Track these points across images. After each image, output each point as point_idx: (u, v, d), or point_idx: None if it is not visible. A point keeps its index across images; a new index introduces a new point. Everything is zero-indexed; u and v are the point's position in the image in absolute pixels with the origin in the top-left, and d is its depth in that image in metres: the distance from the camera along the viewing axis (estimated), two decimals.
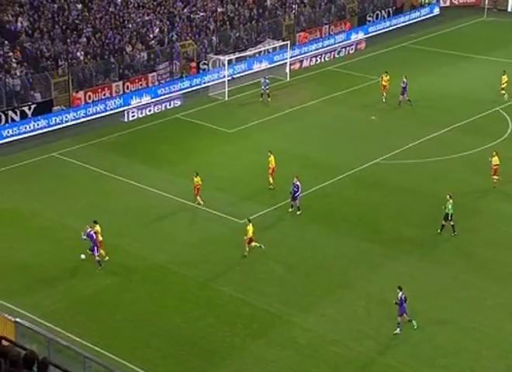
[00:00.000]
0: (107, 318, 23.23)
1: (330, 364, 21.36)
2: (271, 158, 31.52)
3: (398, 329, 22.23)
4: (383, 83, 40.57)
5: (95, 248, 25.22)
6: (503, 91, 39.91)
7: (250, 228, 26.24)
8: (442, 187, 31.76)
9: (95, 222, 26.03)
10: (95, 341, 21.64)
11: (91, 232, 25.24)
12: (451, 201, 27.33)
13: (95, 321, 23.01)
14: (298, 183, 29.09)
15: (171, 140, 36.95)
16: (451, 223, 27.32)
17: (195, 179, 30.01)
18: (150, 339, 22.29)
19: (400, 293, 22.16)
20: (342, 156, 34.71)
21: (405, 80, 39.35)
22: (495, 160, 30.69)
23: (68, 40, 39.79)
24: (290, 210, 29.50)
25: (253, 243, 26.26)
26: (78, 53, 40.09)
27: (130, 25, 43.05)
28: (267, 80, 41.40)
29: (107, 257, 25.75)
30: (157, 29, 44.01)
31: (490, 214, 29.62)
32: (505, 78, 40.11)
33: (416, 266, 25.99)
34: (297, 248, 27.35)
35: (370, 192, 31.59)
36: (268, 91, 41.11)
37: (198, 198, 30.10)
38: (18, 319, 16.17)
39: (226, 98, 42.04)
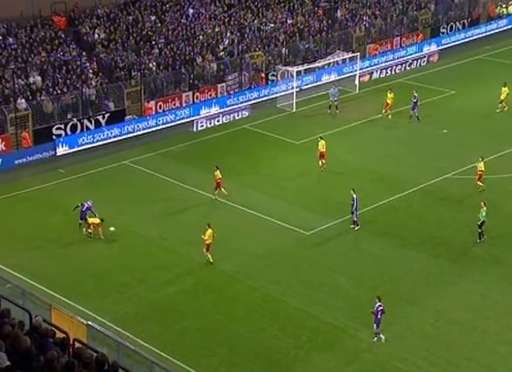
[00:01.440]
0: (174, 324, 23.59)
1: None
2: (322, 142, 33.83)
3: (375, 338, 22.24)
4: (387, 101, 39.47)
5: None
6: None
7: (209, 233, 25.97)
8: None
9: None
10: (161, 347, 22.00)
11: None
12: (485, 208, 27.31)
13: (162, 327, 23.40)
14: (354, 196, 28.78)
15: (238, 151, 37.33)
16: (479, 230, 27.31)
17: (215, 173, 31.28)
18: (215, 347, 22.49)
19: (378, 303, 21.90)
20: (411, 170, 34.22)
21: (416, 94, 38.18)
22: (480, 166, 30.88)
23: (141, 51, 40.90)
24: (354, 228, 29.07)
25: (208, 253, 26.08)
26: (151, 64, 41.13)
27: (201, 37, 43.87)
28: (336, 90, 41.23)
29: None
30: (227, 41, 44.67)
31: None
32: (506, 90, 38.97)
33: (488, 285, 25.30)
34: (363, 262, 27.09)
35: (440, 207, 31.00)
36: (336, 102, 40.96)
37: (218, 191, 31.32)
38: (90, 322, 16.65)
39: (294, 110, 42.19)
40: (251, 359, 21.99)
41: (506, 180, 33.08)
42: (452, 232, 28.97)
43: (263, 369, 21.65)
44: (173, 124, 39.96)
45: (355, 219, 29.08)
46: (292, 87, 42.72)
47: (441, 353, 22.04)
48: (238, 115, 41.40)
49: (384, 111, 39.95)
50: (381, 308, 22.14)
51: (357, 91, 44.66)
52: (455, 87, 44.51)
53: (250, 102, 42.56)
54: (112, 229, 27.84)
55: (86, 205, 28.65)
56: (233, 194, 32.46)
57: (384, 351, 22.23)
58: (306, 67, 44.20)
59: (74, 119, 37.57)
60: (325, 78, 45.79)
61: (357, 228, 29.01)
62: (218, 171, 31.15)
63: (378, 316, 22.11)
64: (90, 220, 28.37)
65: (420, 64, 49.08)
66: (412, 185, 32.78)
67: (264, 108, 42.54)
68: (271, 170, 35.10)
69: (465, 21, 54.47)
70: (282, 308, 24.46)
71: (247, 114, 41.71)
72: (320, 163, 34.19)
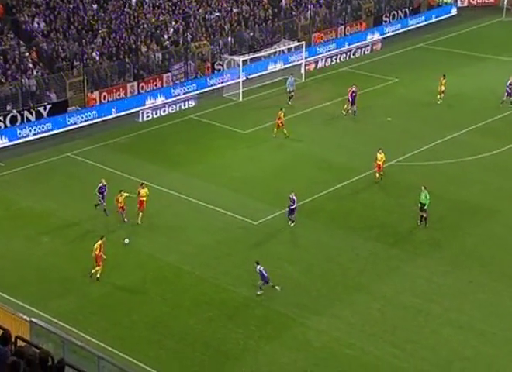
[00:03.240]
0: (121, 318, 23.34)
1: (345, 367, 21.32)
2: (282, 114, 35.60)
3: (260, 291, 24.16)
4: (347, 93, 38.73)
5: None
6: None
7: (98, 245, 24.63)
8: (458, 189, 31.66)
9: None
10: (109, 341, 21.76)
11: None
12: (425, 191, 27.79)
13: (109, 321, 23.13)
14: (294, 197, 28.34)
15: (185, 141, 37.06)
16: (424, 215, 27.70)
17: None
18: (163, 340, 22.36)
19: (258, 266, 23.92)
20: (358, 158, 34.63)
21: (354, 89, 38.36)
22: (380, 157, 31.20)
23: (83, 41, 40.05)
24: (290, 224, 28.60)
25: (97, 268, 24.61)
26: (93, 54, 40.36)
27: (145, 26, 43.25)
28: (293, 79, 40.70)
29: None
30: (172, 30, 44.17)
31: (506, 216, 29.39)
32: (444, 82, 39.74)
33: (433, 269, 25.87)
34: (311, 250, 27.34)
35: (385, 194, 31.50)
36: (293, 92, 40.51)
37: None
38: (33, 319, 16.26)
39: (241, 99, 42.11)
40: (201, 351, 21.96)
41: (448, 166, 33.84)
42: (398, 218, 29.49)
43: (212, 360, 21.64)
44: (118, 115, 39.36)
45: (291, 218, 28.45)
46: (239, 77, 42.61)
47: (387, 337, 22.46)
48: (184, 105, 41.07)
49: (346, 106, 39.02)
50: (261, 268, 23.89)
51: (303, 79, 44.87)
52: (398, 75, 45.20)
53: (196, 92, 42.27)
54: (126, 241, 26.26)
55: (100, 185, 28.73)
56: (180, 184, 32.27)
57: (332, 337, 22.52)
58: (251, 56, 44.11)
59: (14, 111, 36.59)
60: (271, 67, 45.83)
61: (292, 224, 28.68)
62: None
63: (265, 274, 23.96)
64: (119, 199, 27.99)
65: (363, 53, 49.64)
66: (358, 173, 33.19)
67: (211, 97, 42.33)
68: (219, 160, 35.00)
69: (407, 9, 55.29)
70: (231, 298, 24.50)
71: (193, 104, 41.42)
72: (277, 130, 35.84)
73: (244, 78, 43.12)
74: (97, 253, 24.63)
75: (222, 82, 43.40)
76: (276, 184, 32.53)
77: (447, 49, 49.91)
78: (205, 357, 21.70)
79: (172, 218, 29.67)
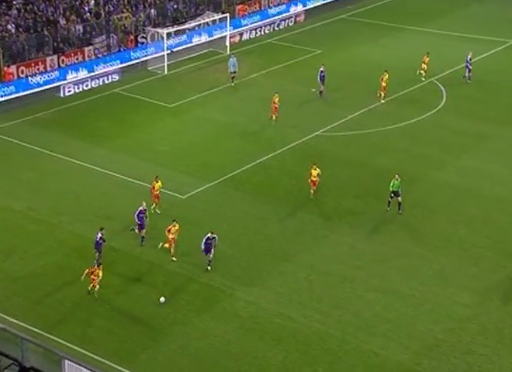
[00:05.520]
0: (46, 298, 22.60)
1: (274, 336, 21.37)
2: (276, 99, 34.24)
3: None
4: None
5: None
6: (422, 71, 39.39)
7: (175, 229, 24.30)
8: (381, 157, 32.10)
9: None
10: (32, 322, 21.07)
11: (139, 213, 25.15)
12: (399, 179, 27.12)
13: (33, 301, 22.36)
14: (215, 236, 24.02)
15: (109, 116, 36.02)
16: (399, 200, 27.19)
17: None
18: (91, 318, 21.83)
19: (100, 234, 23.55)
20: (283, 129, 34.55)
21: (322, 69, 37.42)
22: (316, 174, 28.22)
23: None
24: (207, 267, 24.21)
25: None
26: (9, 26, 38.40)
27: None
28: (235, 60, 39.34)
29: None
30: (93, 1, 42.52)
31: (427, 183, 30.04)
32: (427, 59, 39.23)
33: (357, 237, 26.19)
34: (239, 221, 27.18)
35: (310, 165, 31.54)
36: (235, 73, 39.28)
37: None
38: None
39: (166, 72, 41.23)
40: (130, 327, 21.55)
41: (370, 135, 34.17)
42: (323, 188, 29.60)
43: (143, 336, 21.25)
44: (38, 90, 37.73)
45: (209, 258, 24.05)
46: (163, 50, 41.60)
47: (314, 304, 22.65)
48: (108, 79, 39.83)
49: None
50: (100, 236, 23.56)
51: (228, 52, 44.25)
52: (322, 46, 45.22)
53: (119, 66, 41.02)
54: (162, 299, 22.35)
55: (139, 209, 25.11)
56: (106, 160, 31.37)
57: (261, 308, 22.51)
58: (176, 28, 43.10)
59: None
60: (196, 40, 44.93)
61: (209, 268, 24.14)
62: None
63: (101, 243, 23.60)
64: (172, 229, 24.27)
65: (287, 25, 49.37)
66: (284, 144, 33.13)
67: (135, 71, 41.22)
68: (145, 134, 34.20)
69: None
70: (160, 273, 24.09)
71: (117, 78, 40.22)
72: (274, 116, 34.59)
73: (169, 51, 42.13)
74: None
75: (146, 55, 42.27)
76: (203, 157, 32.12)
77: (367, 20, 50.26)
78: (135, 334, 21.31)
79: (99, 194, 28.84)
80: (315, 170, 28.27)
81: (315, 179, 28.29)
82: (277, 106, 34.40)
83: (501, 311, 22.26)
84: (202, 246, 23.74)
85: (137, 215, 25.23)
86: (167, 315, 22.06)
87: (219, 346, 20.87)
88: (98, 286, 22.37)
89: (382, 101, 36.94)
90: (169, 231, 24.53)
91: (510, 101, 37.69)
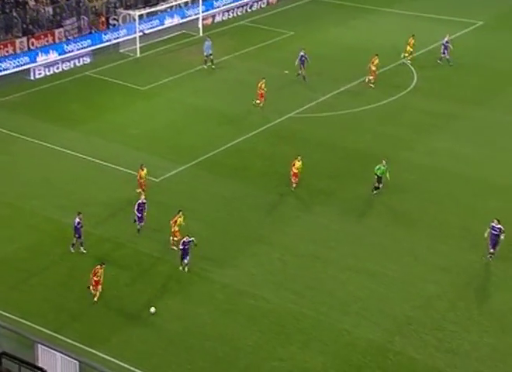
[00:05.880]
0: (19, 283, 22.20)
1: (248, 317, 21.29)
2: (263, 84, 33.40)
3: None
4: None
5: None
6: (406, 54, 39.33)
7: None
8: (353, 138, 32.02)
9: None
10: (3, 307, 20.69)
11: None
12: (386, 165, 26.71)
13: (4, 287, 21.92)
14: (192, 238, 22.96)
15: (81, 99, 35.34)
16: (376, 184, 27.02)
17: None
18: (64, 301, 21.52)
19: (77, 218, 23.21)
20: (256, 111, 34.24)
21: (303, 53, 36.92)
22: (298, 165, 27.10)
23: None
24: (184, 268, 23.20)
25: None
26: None
27: None
28: (210, 43, 38.62)
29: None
30: None
31: (398, 163, 29.97)
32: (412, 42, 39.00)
33: (329, 217, 26.13)
34: (213, 204, 26.93)
35: (284, 146, 31.37)
36: (211, 56, 38.65)
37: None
38: None
39: (138, 55, 40.55)
40: (102, 310, 21.26)
41: (342, 116, 34.02)
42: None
43: (115, 318, 21.01)
44: (7, 72, 36.77)
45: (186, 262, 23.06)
46: (135, 32, 40.85)
47: (287, 285, 22.58)
48: (79, 62, 39.06)
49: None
50: (77, 220, 23.11)
51: (200, 34, 43.66)
52: (294, 28, 44.82)
53: (91, 48, 40.18)
54: (152, 310, 21.19)
55: (138, 202, 24.39)
56: (78, 143, 30.82)
57: (235, 289, 22.38)
58: (148, 10, 42.32)
59: None
60: (168, 21, 44.19)
61: (186, 268, 23.09)
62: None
63: (79, 228, 23.22)
64: (176, 227, 23.54)
65: (260, 6, 48.82)
66: (258, 126, 32.86)
67: (107, 53, 40.45)
68: (117, 117, 33.65)
69: None
70: (133, 255, 23.81)
71: (88, 60, 39.45)
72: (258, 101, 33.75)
73: (141, 33, 41.39)
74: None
75: (118, 37, 41.46)
76: (176, 139, 31.74)
77: (339, 1, 49.90)
78: (104, 316, 21.06)
79: (71, 178, 28.33)
80: (298, 161, 26.92)
81: (297, 171, 26.95)
82: (263, 92, 33.67)
83: (470, 287, 22.44)
84: (180, 251, 22.79)
85: (137, 209, 24.39)
86: (141, 297, 21.82)
87: (193, 327, 20.72)
88: (98, 293, 21.19)
89: (372, 85, 36.41)
90: (175, 222, 23.65)
91: (479, 82, 37.81)
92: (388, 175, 26.91)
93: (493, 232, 22.76)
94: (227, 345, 20.15)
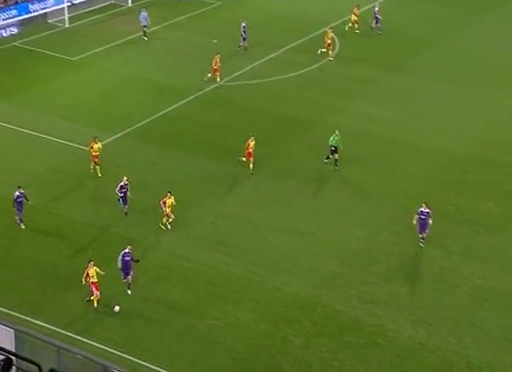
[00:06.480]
0: None
1: (182, 279, 21.15)
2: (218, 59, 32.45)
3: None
4: None
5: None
6: (351, 24, 39.01)
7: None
8: (279, 104, 31.91)
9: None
10: None
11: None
12: (339, 135, 26.20)
13: None
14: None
15: (9, 70, 33.78)
16: (336, 157, 26.42)
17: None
18: (0, 273, 20.76)
19: (18, 192, 22.31)
20: (186, 80, 33.60)
21: (244, 24, 36.20)
22: (252, 144, 26.15)
23: None
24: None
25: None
26: None
27: None
28: (146, 14, 37.15)
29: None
30: None
31: (322, 127, 30.00)
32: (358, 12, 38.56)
33: (259, 181, 26.07)
34: (146, 171, 26.43)
35: (215, 113, 31.02)
36: (146, 27, 37.27)
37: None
38: None
39: (67, 25, 38.96)
40: (40, 278, 20.69)
41: (270, 83, 33.70)
42: (226, 135, 29.20)
43: (53, 286, 20.50)
44: None
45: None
46: (63, 2, 39.12)
47: (220, 247, 22.49)
48: (6, 33, 37.23)
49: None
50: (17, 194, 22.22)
51: (129, 4, 42.26)
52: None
53: (17, 18, 38.24)
54: (117, 308, 19.54)
55: (120, 184, 23.13)
56: (8, 114, 29.52)
57: (169, 253, 22.16)
58: None
59: None
60: None
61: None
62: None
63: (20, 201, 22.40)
64: (168, 208, 22.43)
65: None
66: (188, 94, 32.27)
67: (35, 24, 38.64)
68: (47, 87, 32.34)
69: None
70: (66, 223, 23.18)
71: (15, 31, 37.61)
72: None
73: (69, 3, 39.70)
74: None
75: (45, 8, 39.59)
76: (108, 109, 30.87)
77: None
78: (44, 284, 20.52)
79: (2, 149, 27.15)
80: (252, 141, 25.97)
81: (251, 151, 26.01)
82: (217, 67, 32.47)
83: (389, 242, 22.95)
84: (119, 264, 20.06)
85: (119, 190, 23.12)
86: (78, 265, 21.23)
87: (127, 291, 20.41)
88: (96, 298, 19.40)
89: (331, 58, 35.90)
90: (164, 203, 22.59)
91: (398, 49, 38.13)
92: (341, 145, 26.22)
93: (421, 216, 21.79)
94: (162, 305, 20.00)
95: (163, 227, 22.98)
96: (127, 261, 20.01)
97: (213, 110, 31.25)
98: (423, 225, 21.73)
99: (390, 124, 30.55)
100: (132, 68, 34.81)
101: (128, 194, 23.44)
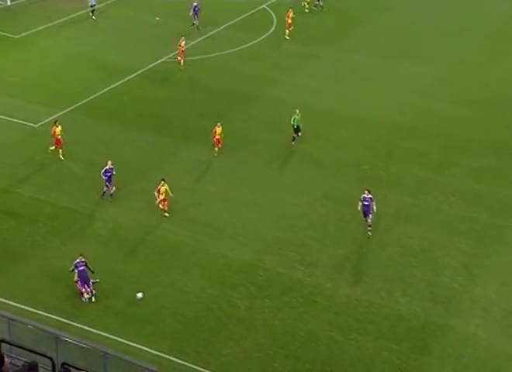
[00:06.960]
0: None
1: (130, 250, 21.17)
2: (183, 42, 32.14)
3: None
4: None
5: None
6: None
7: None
8: (221, 79, 31.90)
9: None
10: None
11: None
12: (299, 114, 26.14)
13: None
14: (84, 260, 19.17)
15: None
16: (299, 135, 26.31)
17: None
18: None
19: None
20: (130, 57, 33.15)
21: (196, 3, 35.83)
22: (219, 131, 25.76)
23: None
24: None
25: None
26: None
27: None
28: None
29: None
30: None
31: (264, 100, 30.20)
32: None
33: (204, 154, 26.06)
34: (94, 146, 26.12)
35: (159, 89, 30.77)
36: (94, 7, 36.34)
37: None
38: None
39: (9, 3, 37.69)
40: None
41: (212, 59, 33.63)
42: (171, 109, 29.03)
43: (0, 260, 20.19)
44: None
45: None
46: None
47: (166, 217, 22.58)
48: None
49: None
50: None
51: None
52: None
53: None
54: (139, 295, 19.20)
55: (105, 168, 22.62)
56: None
57: (117, 224, 22.03)
58: None
59: None
60: None
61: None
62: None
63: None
64: (162, 195, 21.79)
65: None
66: (132, 71, 31.86)
67: None
68: None
69: None
70: (16, 200, 22.79)
71: None
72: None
73: None
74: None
75: None
76: (53, 86, 30.22)
77: None
78: None
79: None
80: (219, 127, 25.56)
81: (218, 137, 25.57)
82: (183, 49, 32.00)
83: (326, 207, 23.44)
84: (75, 277, 18.80)
85: (104, 173, 22.59)
86: (26, 238, 21.06)
87: None
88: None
89: (287, 37, 35.60)
90: (159, 191, 22.00)
91: (333, 25, 38.47)
92: (301, 123, 26.14)
93: (365, 203, 21.51)
94: (112, 275, 20.01)
95: (166, 214, 22.33)
96: (83, 270, 18.83)
97: (157, 86, 31.00)
98: (366, 210, 21.82)
99: (328, 96, 30.95)
100: (76, 46, 34.06)
101: (112, 178, 22.71)
